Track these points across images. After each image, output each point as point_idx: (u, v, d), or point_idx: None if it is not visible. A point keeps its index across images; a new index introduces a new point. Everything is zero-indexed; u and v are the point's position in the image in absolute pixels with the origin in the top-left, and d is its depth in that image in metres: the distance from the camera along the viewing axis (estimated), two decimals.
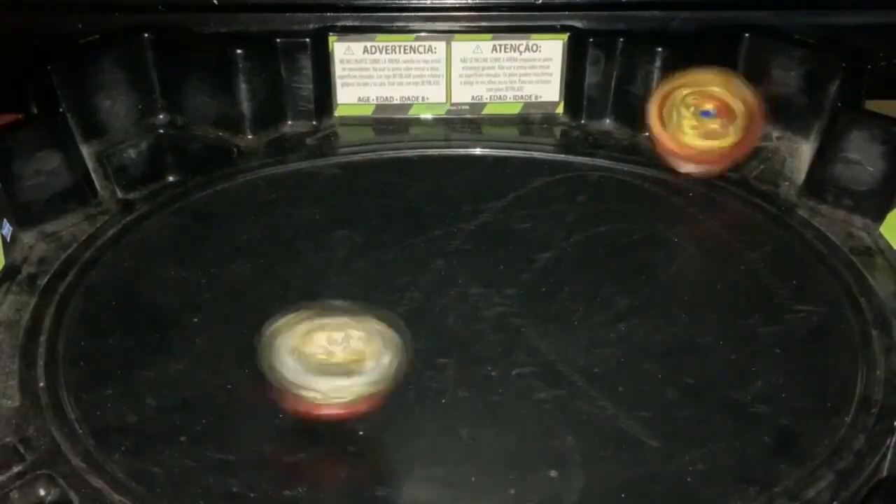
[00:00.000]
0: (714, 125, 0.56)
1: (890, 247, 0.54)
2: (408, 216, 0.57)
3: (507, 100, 0.66)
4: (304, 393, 0.42)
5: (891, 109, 0.58)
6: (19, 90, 0.58)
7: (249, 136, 0.64)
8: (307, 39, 0.63)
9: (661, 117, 0.57)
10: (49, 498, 0.41)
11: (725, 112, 0.56)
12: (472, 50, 0.65)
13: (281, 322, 0.44)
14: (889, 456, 0.43)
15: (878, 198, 0.56)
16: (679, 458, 0.43)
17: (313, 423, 0.43)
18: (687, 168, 0.58)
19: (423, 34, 0.64)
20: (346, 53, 0.64)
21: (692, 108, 0.56)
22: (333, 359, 0.43)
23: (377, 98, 0.66)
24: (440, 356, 0.48)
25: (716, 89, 0.56)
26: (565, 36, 0.64)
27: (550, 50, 0.65)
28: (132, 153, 0.62)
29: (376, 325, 0.44)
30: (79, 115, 0.60)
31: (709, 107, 0.54)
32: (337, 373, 0.42)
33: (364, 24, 0.65)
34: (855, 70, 0.60)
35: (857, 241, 0.55)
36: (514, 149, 0.63)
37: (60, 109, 0.58)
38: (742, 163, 0.59)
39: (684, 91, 0.57)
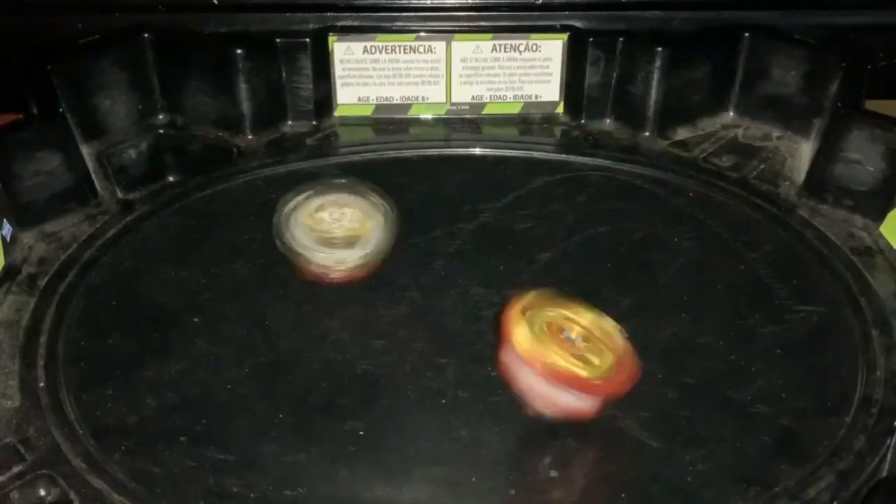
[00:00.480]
0: (583, 351, 0.44)
1: (890, 247, 0.54)
2: (408, 216, 0.57)
3: (507, 100, 0.66)
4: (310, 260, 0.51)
5: (891, 109, 0.58)
6: (19, 90, 0.58)
7: (249, 136, 0.64)
8: (307, 39, 0.63)
9: (525, 325, 0.45)
10: (49, 498, 0.41)
11: (590, 346, 0.45)
12: (472, 50, 0.65)
13: (294, 202, 0.53)
14: (889, 456, 0.43)
15: (878, 197, 0.56)
16: (679, 458, 0.43)
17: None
18: (552, 398, 0.44)
19: (423, 34, 0.64)
20: (346, 53, 0.64)
21: (558, 330, 0.45)
22: (336, 233, 0.52)
23: (377, 98, 0.66)
24: (440, 356, 0.48)
25: (584, 320, 0.46)
26: (565, 36, 0.64)
27: (550, 50, 0.65)
28: (132, 153, 0.62)
29: (372, 201, 0.53)
30: (79, 115, 0.60)
31: (575, 333, 0.44)
32: (339, 245, 0.51)
33: (364, 24, 0.65)
34: (855, 70, 0.60)
35: (858, 240, 0.55)
36: (514, 149, 0.63)
37: (60, 109, 0.58)
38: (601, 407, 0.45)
39: (550, 311, 0.46)
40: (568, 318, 0.45)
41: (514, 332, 0.44)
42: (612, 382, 0.43)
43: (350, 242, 0.52)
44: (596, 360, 0.43)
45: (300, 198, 0.53)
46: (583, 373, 0.43)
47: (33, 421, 0.44)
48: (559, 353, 0.43)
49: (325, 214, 0.53)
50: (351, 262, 0.51)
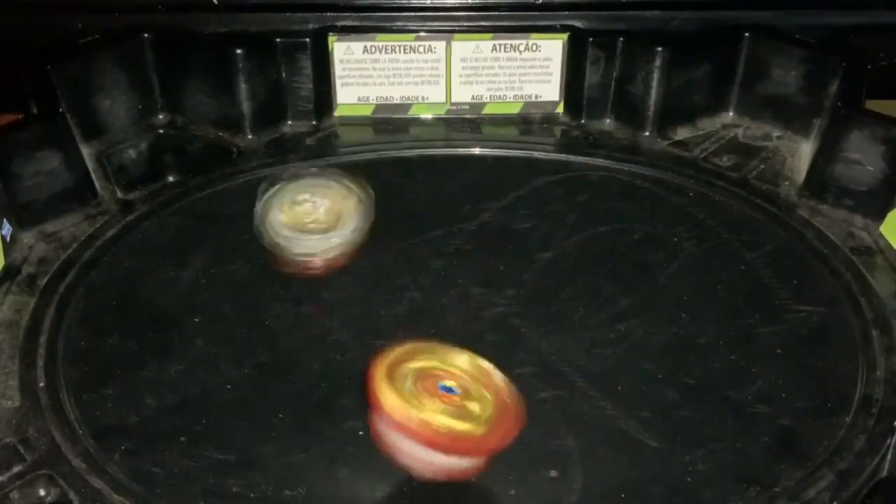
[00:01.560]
0: (461, 400, 0.41)
1: (890, 246, 0.54)
2: (408, 216, 0.57)
3: (507, 99, 0.66)
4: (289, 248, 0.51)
5: (891, 109, 0.58)
6: (19, 90, 0.58)
7: (249, 136, 0.64)
8: (307, 39, 0.63)
9: (393, 386, 0.40)
10: (49, 498, 0.41)
11: (468, 393, 0.41)
12: (472, 49, 0.65)
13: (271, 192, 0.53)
14: (889, 456, 0.43)
15: (878, 197, 0.56)
16: (679, 458, 0.43)
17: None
18: (433, 463, 0.40)
19: (423, 34, 0.64)
20: (345, 53, 0.64)
21: (432, 382, 0.41)
22: (313, 221, 0.52)
23: (377, 98, 0.66)
24: None
25: (459, 364, 0.42)
26: (565, 35, 0.64)
27: (550, 49, 0.65)
28: (132, 153, 0.62)
29: (344, 187, 0.54)
30: (79, 115, 0.60)
31: (450, 383, 0.40)
32: (315, 231, 0.52)
33: (364, 23, 0.65)
34: (855, 70, 0.60)
35: (858, 240, 0.55)
36: (514, 149, 0.63)
37: (60, 109, 0.58)
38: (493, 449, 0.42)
39: (420, 362, 0.42)
40: (440, 366, 0.42)
41: (381, 394, 0.40)
42: (495, 434, 0.40)
43: (327, 229, 0.52)
44: (476, 408, 0.40)
45: (273, 190, 0.54)
46: (464, 426, 0.39)
47: (33, 421, 0.44)
48: (434, 410, 0.39)
49: (298, 206, 0.53)
50: (330, 248, 0.52)
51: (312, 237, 0.52)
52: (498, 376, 0.42)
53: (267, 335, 0.49)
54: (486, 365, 0.43)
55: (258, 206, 0.53)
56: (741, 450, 0.43)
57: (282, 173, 0.55)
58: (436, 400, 0.40)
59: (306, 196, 0.53)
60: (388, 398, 0.40)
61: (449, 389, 0.41)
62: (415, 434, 0.39)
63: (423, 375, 0.41)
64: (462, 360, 0.43)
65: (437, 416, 0.40)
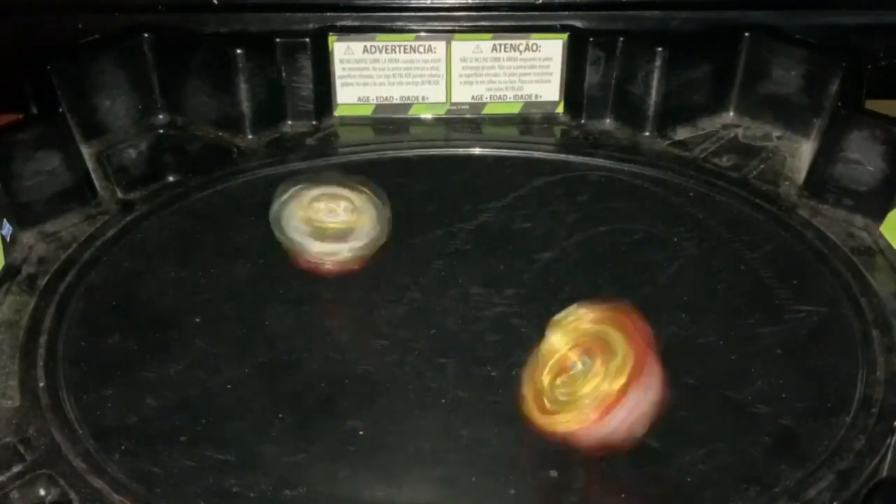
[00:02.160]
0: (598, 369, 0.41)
1: (890, 246, 0.54)
2: (408, 216, 0.57)
3: (507, 99, 0.66)
4: (305, 251, 0.51)
5: (891, 109, 0.58)
6: (19, 90, 0.58)
7: (249, 136, 0.64)
8: (307, 39, 0.63)
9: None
10: (49, 498, 0.41)
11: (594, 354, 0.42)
12: (472, 49, 0.65)
13: (289, 194, 0.52)
14: (889, 456, 0.43)
15: (878, 197, 0.56)
16: (679, 458, 0.43)
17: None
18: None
19: (423, 34, 0.64)
20: (345, 53, 0.64)
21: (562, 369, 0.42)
22: (330, 226, 0.51)
23: (377, 98, 0.66)
24: (440, 356, 0.48)
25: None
26: (565, 35, 0.64)
27: (550, 49, 0.65)
28: (132, 153, 0.62)
29: (365, 196, 0.53)
30: (79, 115, 0.60)
31: (576, 360, 0.41)
32: (331, 237, 0.51)
33: (364, 23, 0.65)
34: (855, 70, 0.60)
35: (858, 240, 0.55)
36: (514, 148, 0.63)
37: (60, 109, 0.58)
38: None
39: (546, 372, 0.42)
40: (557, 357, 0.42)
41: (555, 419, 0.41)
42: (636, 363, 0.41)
43: (343, 235, 0.51)
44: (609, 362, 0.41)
45: (295, 188, 0.53)
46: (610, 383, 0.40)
47: (33, 421, 0.44)
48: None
49: (320, 206, 0.52)
50: (343, 255, 0.51)
51: (329, 241, 0.51)
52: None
53: (267, 335, 0.49)
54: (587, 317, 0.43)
55: (276, 203, 0.52)
56: (741, 450, 0.43)
57: (304, 176, 0.55)
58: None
59: (326, 199, 0.53)
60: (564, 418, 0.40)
61: (577, 365, 0.41)
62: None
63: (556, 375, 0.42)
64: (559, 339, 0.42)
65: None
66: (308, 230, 0.51)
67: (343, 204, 0.52)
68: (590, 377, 0.41)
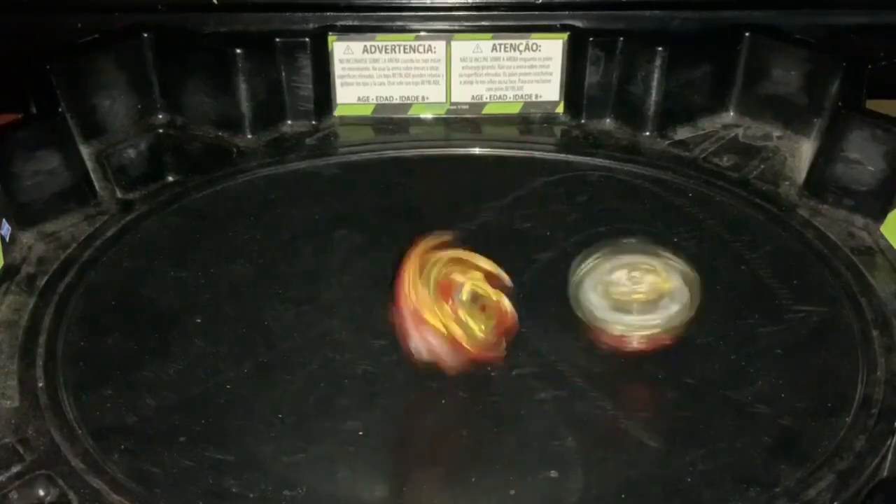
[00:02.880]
0: (466, 315, 0.46)
1: (890, 246, 0.54)
2: (408, 216, 0.57)
3: (507, 99, 0.66)
4: (608, 327, 0.48)
5: (891, 109, 0.57)
6: (19, 90, 0.58)
7: (249, 136, 0.64)
8: (307, 39, 0.63)
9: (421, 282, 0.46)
10: (48, 498, 0.41)
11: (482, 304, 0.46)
12: (472, 49, 0.65)
13: (589, 264, 0.50)
14: (889, 456, 0.43)
15: (878, 197, 0.56)
16: (679, 458, 0.43)
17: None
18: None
19: (422, 34, 0.64)
20: (345, 53, 0.64)
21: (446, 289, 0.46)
22: (635, 295, 0.48)
23: (377, 98, 0.66)
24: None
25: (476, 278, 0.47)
26: (565, 35, 0.64)
27: (550, 49, 0.65)
28: (132, 153, 0.62)
29: (673, 263, 0.49)
30: (78, 115, 0.60)
31: (465, 295, 0.46)
32: (638, 309, 0.48)
33: (364, 23, 0.65)
34: (855, 70, 0.60)
35: (858, 240, 0.55)
36: (514, 148, 0.63)
37: (60, 109, 0.58)
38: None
39: (446, 266, 0.47)
40: (461, 275, 0.46)
41: (409, 284, 0.45)
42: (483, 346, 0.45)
43: (648, 307, 0.48)
44: (477, 328, 0.45)
45: (594, 258, 0.50)
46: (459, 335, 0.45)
47: (32, 421, 0.44)
48: (442, 316, 0.45)
49: (622, 276, 0.49)
50: (651, 327, 0.47)
51: (632, 315, 0.48)
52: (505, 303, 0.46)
53: (267, 335, 0.49)
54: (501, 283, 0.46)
55: (573, 279, 0.50)
56: (741, 450, 0.43)
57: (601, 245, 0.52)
58: (447, 306, 0.45)
59: (626, 271, 0.49)
60: (415, 289, 0.45)
61: (462, 300, 0.45)
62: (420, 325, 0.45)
63: (444, 278, 0.46)
64: (481, 272, 0.46)
65: (441, 321, 0.45)
66: (609, 306, 0.48)
67: (644, 274, 0.49)
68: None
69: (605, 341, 0.48)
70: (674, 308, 0.48)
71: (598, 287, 0.49)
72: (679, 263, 0.50)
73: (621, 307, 0.48)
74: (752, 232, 0.56)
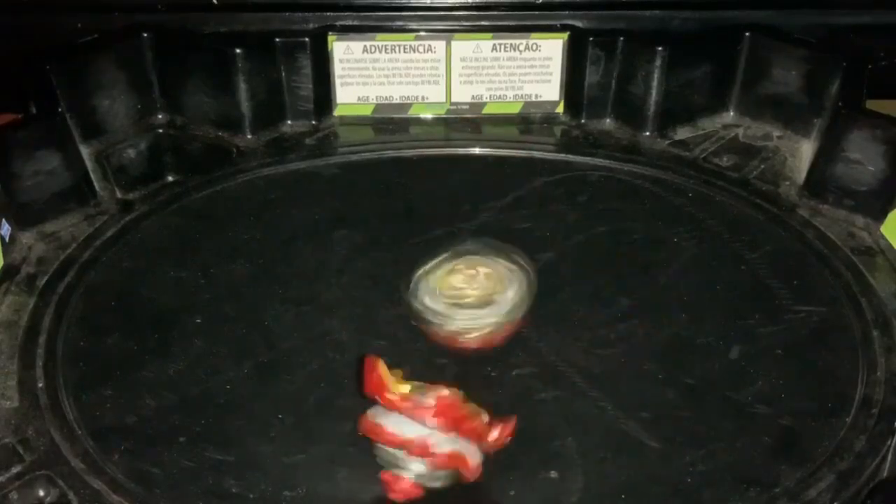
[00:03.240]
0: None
1: (891, 246, 0.54)
2: (408, 216, 0.57)
3: (507, 99, 0.66)
4: (445, 326, 0.47)
5: (891, 109, 0.58)
6: (19, 90, 0.58)
7: (249, 136, 0.63)
8: (307, 39, 0.63)
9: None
10: (48, 498, 0.41)
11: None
12: (472, 49, 0.65)
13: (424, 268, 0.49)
14: (889, 457, 0.43)
15: (878, 197, 0.56)
16: (679, 458, 0.43)
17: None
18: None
19: (422, 33, 0.64)
20: (345, 53, 0.64)
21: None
22: (468, 296, 0.48)
23: (377, 98, 0.66)
24: (440, 356, 0.48)
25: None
26: (565, 35, 0.64)
27: (550, 49, 0.65)
28: (131, 153, 0.62)
29: (505, 265, 0.49)
30: (78, 115, 0.60)
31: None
32: (471, 306, 0.47)
33: (364, 23, 0.65)
34: (855, 70, 0.60)
35: (858, 240, 0.55)
36: (514, 148, 0.63)
37: (60, 109, 0.58)
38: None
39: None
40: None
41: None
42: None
43: (483, 305, 0.47)
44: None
45: (433, 262, 0.50)
46: None
47: (32, 421, 0.44)
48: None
49: (458, 278, 0.49)
50: (485, 326, 0.47)
51: (466, 312, 0.47)
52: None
53: (267, 335, 0.49)
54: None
55: (412, 279, 0.49)
56: (741, 450, 0.43)
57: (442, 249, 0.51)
58: None
59: (462, 269, 0.49)
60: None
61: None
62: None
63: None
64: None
65: None
66: (445, 304, 0.48)
67: (482, 273, 0.49)
68: None
69: (440, 340, 0.47)
70: (505, 308, 0.47)
71: (433, 287, 0.48)
72: (516, 265, 0.49)
73: (454, 306, 0.48)
74: (752, 232, 0.56)
